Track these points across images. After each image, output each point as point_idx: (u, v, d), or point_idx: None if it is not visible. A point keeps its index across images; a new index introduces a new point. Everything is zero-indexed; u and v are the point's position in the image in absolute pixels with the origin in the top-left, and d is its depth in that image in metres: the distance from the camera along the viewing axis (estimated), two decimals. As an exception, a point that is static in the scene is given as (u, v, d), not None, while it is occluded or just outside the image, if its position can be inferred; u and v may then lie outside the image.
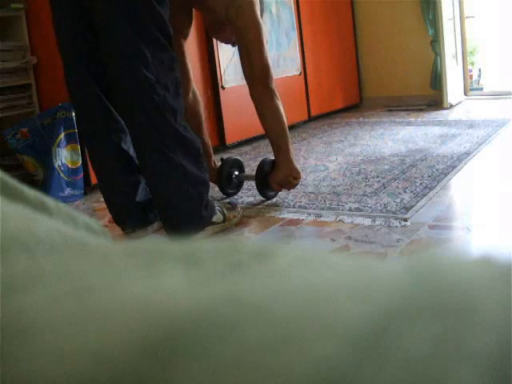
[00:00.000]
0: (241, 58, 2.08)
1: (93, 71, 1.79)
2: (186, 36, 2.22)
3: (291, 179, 2.13)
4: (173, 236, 1.84)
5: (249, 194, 2.40)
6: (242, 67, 2.08)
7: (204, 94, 3.39)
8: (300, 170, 2.15)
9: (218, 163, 2.35)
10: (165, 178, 1.76)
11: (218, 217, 1.93)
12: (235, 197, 2.36)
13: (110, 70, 1.74)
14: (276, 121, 2.08)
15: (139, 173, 1.89)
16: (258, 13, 2.03)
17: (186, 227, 1.82)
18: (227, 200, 2.25)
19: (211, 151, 2.36)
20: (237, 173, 2.35)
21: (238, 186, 2.40)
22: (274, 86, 2.08)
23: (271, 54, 3.84)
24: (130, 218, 1.93)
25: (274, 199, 2.28)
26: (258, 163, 2.22)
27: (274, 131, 2.10)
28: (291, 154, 2.11)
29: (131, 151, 1.88)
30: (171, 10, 1.78)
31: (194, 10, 2.21)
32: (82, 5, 1.74)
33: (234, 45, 2.21)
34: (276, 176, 2.13)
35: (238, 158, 2.45)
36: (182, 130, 1.76)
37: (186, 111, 2.07)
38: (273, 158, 2.16)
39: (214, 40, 3.35)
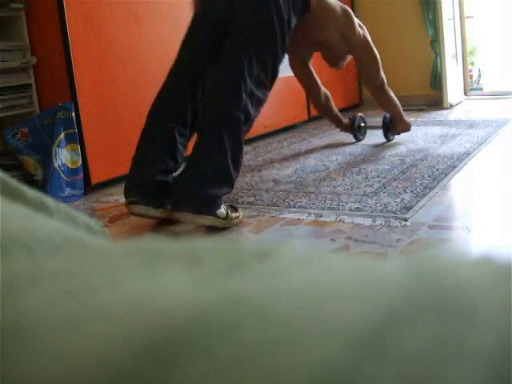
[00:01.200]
0: (363, 76, 3.15)
1: (197, 86, 2.15)
2: (309, 61, 3.20)
3: (406, 129, 3.22)
4: (180, 207, 1.95)
5: (249, 193, 2.40)
6: (365, 82, 3.21)
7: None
8: (410, 123, 3.24)
9: (346, 120, 3.36)
10: (209, 155, 1.98)
11: (221, 212, 1.97)
12: (235, 197, 2.37)
13: (219, 66, 2.07)
14: (392, 106, 3.13)
15: (176, 163, 2.11)
16: (372, 44, 2.97)
17: (197, 203, 1.94)
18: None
19: (341, 117, 3.37)
20: (363, 124, 3.42)
21: (364, 133, 3.45)
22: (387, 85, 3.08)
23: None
24: (141, 188, 2.04)
25: (274, 199, 2.29)
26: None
27: (392, 111, 3.16)
28: (403, 116, 3.17)
29: (179, 145, 2.12)
30: (300, 48, 2.82)
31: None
32: (225, 25, 2.13)
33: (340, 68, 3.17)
34: (396, 128, 3.22)
35: (361, 114, 3.47)
36: (242, 135, 2.04)
37: (322, 108, 3.31)
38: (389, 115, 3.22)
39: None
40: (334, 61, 3.02)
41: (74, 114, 2.59)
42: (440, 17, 4.38)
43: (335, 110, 3.34)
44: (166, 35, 3.09)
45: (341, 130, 3.46)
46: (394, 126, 3.22)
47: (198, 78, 2.15)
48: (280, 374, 0.12)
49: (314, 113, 4.30)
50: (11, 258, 0.18)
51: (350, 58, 3.01)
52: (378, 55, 2.98)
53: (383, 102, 3.12)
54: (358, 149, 3.15)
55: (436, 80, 4.55)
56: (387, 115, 3.21)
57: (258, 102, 2.08)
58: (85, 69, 2.68)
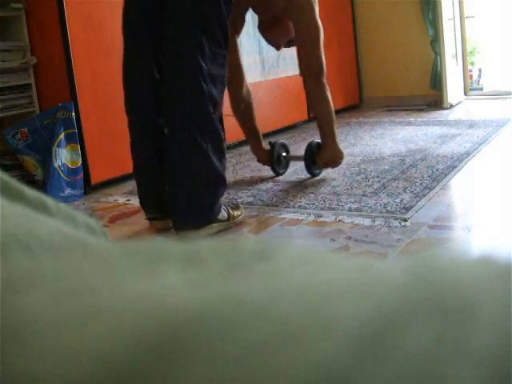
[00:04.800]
0: (299, 54, 2.45)
1: (156, 56, 1.89)
2: (238, 33, 2.49)
3: (336, 159, 2.45)
4: (180, 226, 1.86)
5: (249, 193, 2.40)
6: (300, 62, 2.46)
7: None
8: (343, 151, 2.46)
9: (267, 147, 2.63)
10: (191, 164, 1.83)
11: (222, 215, 1.96)
12: (235, 197, 2.36)
13: (167, 53, 1.85)
14: (325, 109, 2.40)
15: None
16: (318, 15, 2.31)
17: (196, 219, 1.87)
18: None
19: (261, 136, 2.64)
20: (285, 154, 2.68)
21: (286, 166, 2.70)
22: (326, 79, 2.38)
23: (271, 54, 3.84)
24: (154, 203, 1.96)
25: (274, 199, 2.28)
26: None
27: (322, 118, 2.43)
28: (336, 138, 2.44)
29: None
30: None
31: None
32: None
33: (278, 48, 2.52)
34: (323, 156, 2.45)
35: (285, 141, 2.78)
36: (217, 123, 1.88)
37: (240, 104, 2.50)
38: (318, 140, 2.51)
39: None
40: (267, 26, 2.43)
41: (73, 114, 2.59)
42: (440, 17, 4.38)
43: (255, 117, 2.57)
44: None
45: (258, 160, 2.66)
46: (322, 152, 2.45)
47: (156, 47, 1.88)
48: (279, 373, 0.12)
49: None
50: (11, 257, 0.19)
51: (291, 35, 2.39)
52: (321, 31, 2.30)
53: (314, 96, 2.40)
54: (357, 149, 3.15)
55: (436, 80, 4.55)
56: (314, 142, 2.52)
57: (220, 79, 1.87)
58: (85, 69, 2.68)
